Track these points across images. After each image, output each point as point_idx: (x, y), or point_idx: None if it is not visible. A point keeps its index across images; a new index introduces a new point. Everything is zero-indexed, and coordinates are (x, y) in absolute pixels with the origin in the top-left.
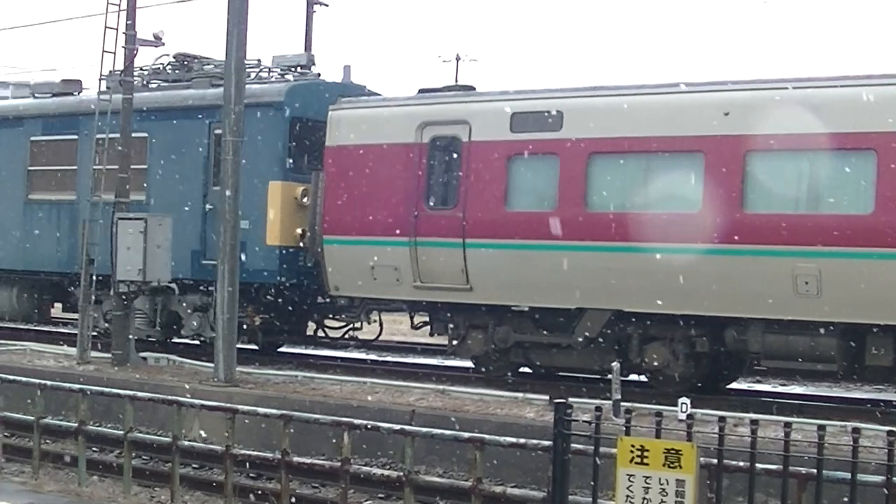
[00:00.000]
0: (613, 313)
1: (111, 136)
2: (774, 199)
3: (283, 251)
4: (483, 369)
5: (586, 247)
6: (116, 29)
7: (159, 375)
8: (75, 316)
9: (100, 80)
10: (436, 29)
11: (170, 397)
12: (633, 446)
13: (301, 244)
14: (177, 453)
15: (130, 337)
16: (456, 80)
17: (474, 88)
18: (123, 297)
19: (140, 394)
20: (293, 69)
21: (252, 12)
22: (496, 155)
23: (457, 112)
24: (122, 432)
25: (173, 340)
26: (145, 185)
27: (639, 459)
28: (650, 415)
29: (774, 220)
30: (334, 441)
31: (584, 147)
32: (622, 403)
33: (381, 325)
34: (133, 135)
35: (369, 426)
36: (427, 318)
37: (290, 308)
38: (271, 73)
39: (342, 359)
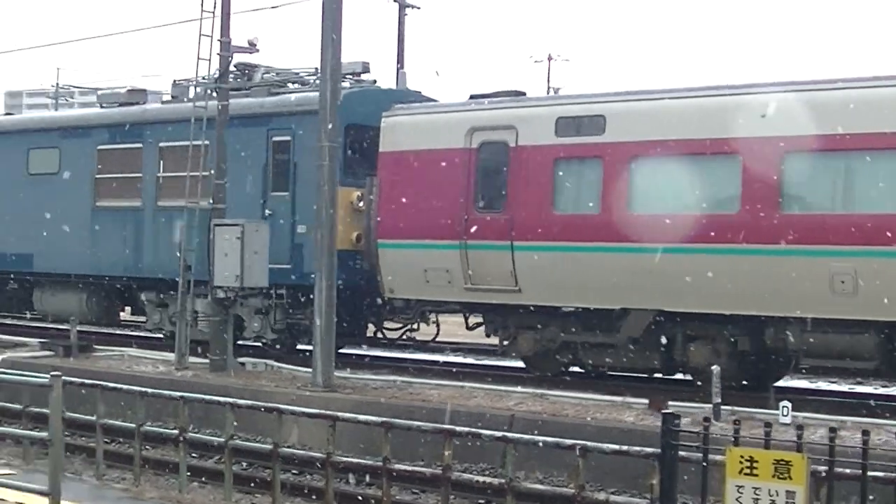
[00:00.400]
0: (656, 313)
1: (170, 144)
2: (810, 200)
3: (340, 254)
4: (534, 369)
5: (629, 248)
6: (211, 36)
7: (257, 381)
8: (142, 319)
9: (196, 87)
10: (528, 29)
11: (270, 405)
12: (741, 457)
13: (357, 247)
14: (277, 460)
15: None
16: (548, 81)
17: (524, 94)
18: (221, 302)
19: (241, 401)
20: (349, 76)
21: (344, 17)
22: (542, 159)
23: (504, 117)
24: (221, 439)
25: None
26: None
27: (748, 470)
28: (750, 419)
29: (810, 220)
30: (431, 444)
31: (626, 150)
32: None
33: (437, 326)
34: (194, 143)
35: (470, 433)
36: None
37: (348, 310)
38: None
39: (440, 362)
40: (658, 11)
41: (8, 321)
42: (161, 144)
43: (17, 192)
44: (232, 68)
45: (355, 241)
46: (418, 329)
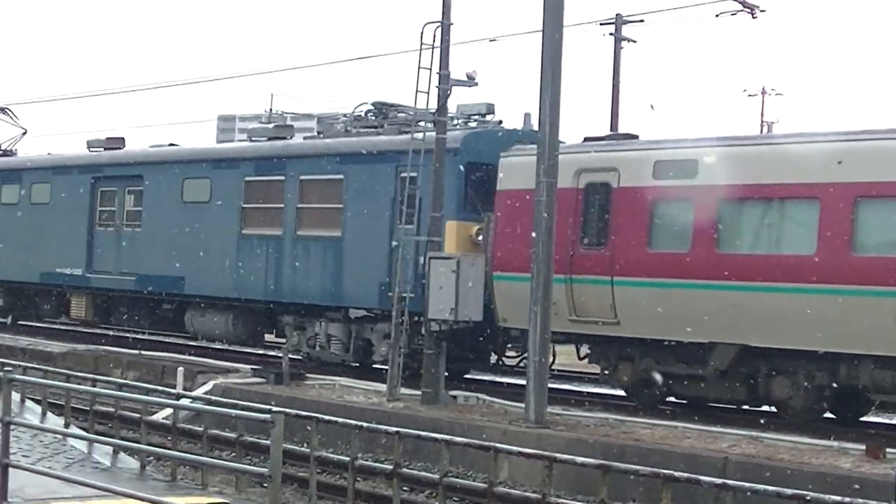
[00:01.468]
0: (741, 347)
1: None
2: (880, 243)
3: None
4: (634, 399)
5: (716, 286)
6: (430, 69)
7: (469, 415)
8: (282, 341)
9: (415, 120)
10: (743, 63)
11: (486, 444)
12: None
13: None
14: (492, 499)
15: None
16: (761, 115)
17: (636, 137)
18: (435, 335)
19: (456, 439)
20: (475, 117)
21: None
22: (640, 199)
23: (607, 160)
24: (436, 475)
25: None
26: (341, 222)
27: None
28: None
29: (880, 262)
30: (643, 485)
31: (715, 193)
32: None
33: (554, 355)
34: (329, 177)
35: (689, 479)
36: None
37: (468, 337)
38: (456, 121)
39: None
40: (866, 49)
41: (217, 346)
42: (301, 177)
43: (172, 218)
44: (369, 107)
45: None
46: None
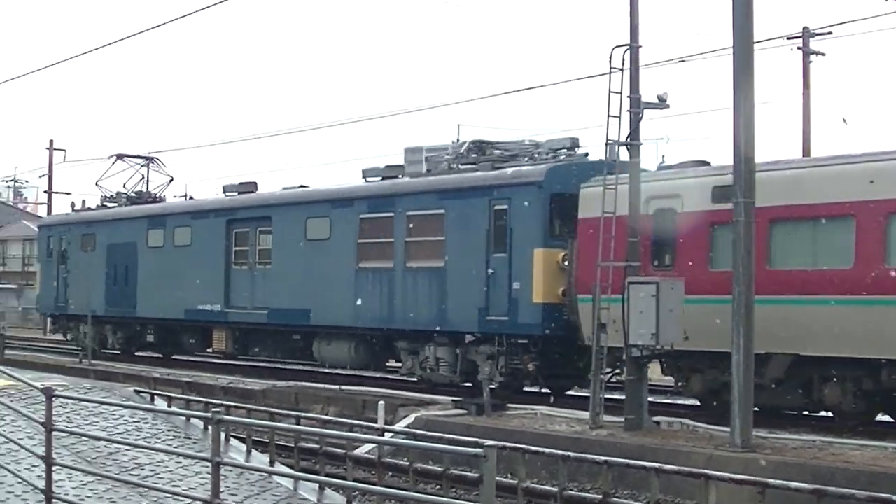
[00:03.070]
0: (794, 357)
1: (415, 212)
2: None
3: (547, 307)
4: (705, 408)
5: (769, 300)
6: (620, 93)
7: (673, 440)
8: (399, 365)
9: (606, 144)
10: None
11: (697, 470)
12: None
13: (563, 301)
14: None
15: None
16: None
17: (708, 164)
18: (637, 361)
19: (666, 466)
20: (561, 150)
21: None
22: (701, 222)
23: (672, 187)
24: None
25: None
26: (443, 253)
27: None
28: None
29: None
30: None
31: (765, 214)
32: None
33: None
34: (431, 212)
35: None
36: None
37: (557, 356)
38: (547, 155)
39: (862, 421)
40: None
41: (413, 379)
42: (408, 213)
43: (298, 255)
44: (471, 145)
45: (561, 295)
46: (622, 373)
